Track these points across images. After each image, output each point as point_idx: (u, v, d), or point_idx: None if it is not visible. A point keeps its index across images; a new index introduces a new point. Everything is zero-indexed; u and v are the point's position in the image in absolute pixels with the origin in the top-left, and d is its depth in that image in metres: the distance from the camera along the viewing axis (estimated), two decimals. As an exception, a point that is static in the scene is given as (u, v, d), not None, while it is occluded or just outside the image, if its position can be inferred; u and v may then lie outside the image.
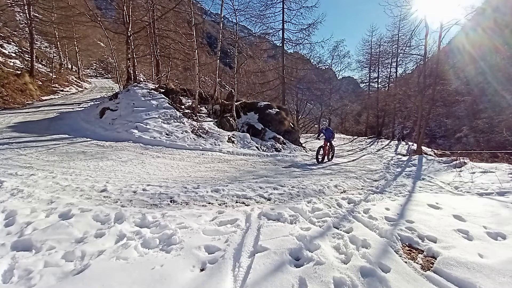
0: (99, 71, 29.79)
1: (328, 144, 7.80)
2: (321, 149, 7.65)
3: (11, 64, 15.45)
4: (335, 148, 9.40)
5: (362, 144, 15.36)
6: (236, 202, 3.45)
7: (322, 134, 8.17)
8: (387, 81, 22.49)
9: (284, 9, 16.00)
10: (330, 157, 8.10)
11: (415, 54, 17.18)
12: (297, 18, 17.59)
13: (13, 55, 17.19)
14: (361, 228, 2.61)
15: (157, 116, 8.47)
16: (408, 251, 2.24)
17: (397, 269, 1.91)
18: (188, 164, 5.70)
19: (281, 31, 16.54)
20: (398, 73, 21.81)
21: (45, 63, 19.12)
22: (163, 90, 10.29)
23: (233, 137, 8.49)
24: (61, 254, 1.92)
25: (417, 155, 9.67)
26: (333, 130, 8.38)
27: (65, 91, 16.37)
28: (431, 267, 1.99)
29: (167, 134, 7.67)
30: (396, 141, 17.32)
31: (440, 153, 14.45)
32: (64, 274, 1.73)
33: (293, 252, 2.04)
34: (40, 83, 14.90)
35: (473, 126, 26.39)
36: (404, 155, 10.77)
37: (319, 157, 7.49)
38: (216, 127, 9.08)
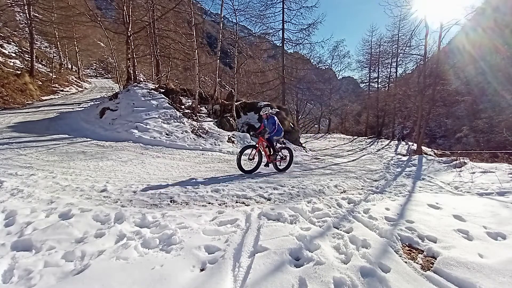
0: (99, 71, 29.80)
1: (267, 143, 5.32)
2: (251, 149, 5.27)
3: (11, 64, 15.45)
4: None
5: (362, 144, 15.37)
6: (236, 202, 3.45)
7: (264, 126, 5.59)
8: (387, 81, 22.51)
9: (284, 9, 16.02)
10: (278, 165, 5.54)
11: (415, 54, 17.21)
12: (297, 18, 17.62)
13: (13, 55, 17.20)
14: (361, 228, 2.61)
15: (157, 116, 8.47)
16: (408, 251, 2.24)
17: (397, 269, 1.91)
18: (188, 164, 5.70)
19: (281, 31, 16.57)
20: (398, 73, 21.88)
21: (45, 63, 19.12)
22: (163, 90, 10.29)
23: (233, 137, 8.49)
24: (61, 254, 1.92)
25: (417, 155, 9.67)
26: (276, 121, 5.31)
27: (65, 91, 16.37)
28: (431, 267, 1.99)
29: (167, 134, 7.67)
30: (396, 141, 17.33)
31: (440, 153, 14.46)
32: (64, 274, 1.72)
33: (293, 252, 2.04)
34: (40, 83, 14.91)
35: (473, 126, 26.39)
36: (404, 155, 10.77)
37: (243, 164, 5.05)
38: (216, 127, 9.08)
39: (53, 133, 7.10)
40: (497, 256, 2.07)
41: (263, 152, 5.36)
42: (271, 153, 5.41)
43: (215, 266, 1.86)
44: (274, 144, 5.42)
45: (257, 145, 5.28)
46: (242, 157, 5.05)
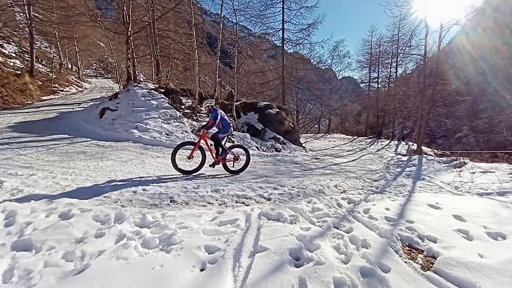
0: (99, 71, 29.81)
1: (212, 140, 4.78)
2: (190, 146, 4.72)
3: (11, 64, 15.46)
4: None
5: (362, 144, 15.36)
6: (236, 202, 3.45)
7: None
8: (387, 81, 22.51)
9: (284, 9, 16.03)
10: (230, 166, 4.99)
11: (415, 54, 17.22)
12: (297, 18, 17.67)
13: (13, 55, 17.21)
14: (361, 228, 2.61)
15: (157, 116, 8.46)
16: (408, 251, 2.24)
17: (397, 269, 1.91)
18: (188, 164, 5.70)
19: (281, 31, 16.58)
20: (398, 73, 21.86)
21: (45, 63, 19.13)
22: (163, 90, 10.29)
23: (233, 137, 8.49)
24: (61, 254, 1.92)
25: (417, 155, 9.67)
26: (220, 114, 4.76)
27: (65, 91, 16.38)
28: (431, 267, 1.99)
29: (167, 134, 7.67)
30: (396, 141, 17.33)
31: (440, 153, 14.46)
32: (64, 274, 1.72)
33: (293, 252, 2.04)
34: (40, 83, 14.91)
35: (473, 126, 26.41)
36: (404, 155, 10.76)
37: (181, 163, 4.66)
38: (216, 127, 9.08)
39: (53, 133, 7.10)
40: (497, 256, 2.07)
41: (207, 151, 4.82)
42: (219, 151, 4.84)
43: (215, 266, 1.86)
44: (221, 141, 4.84)
45: (197, 142, 4.70)
46: (179, 155, 4.51)
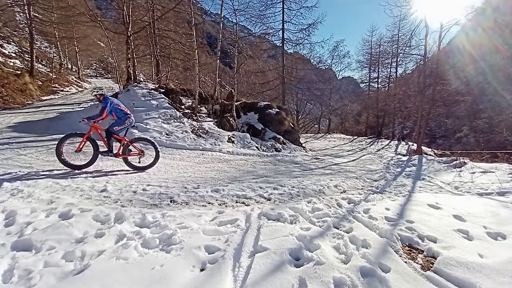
0: (99, 71, 29.82)
1: (104, 133, 4.39)
2: (78, 138, 4.31)
3: (11, 64, 15.47)
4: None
5: (362, 144, 15.35)
6: (236, 202, 3.45)
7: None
8: (387, 81, 22.51)
9: (284, 9, 16.03)
10: (134, 162, 4.58)
11: (415, 54, 17.21)
12: (297, 18, 17.74)
13: (13, 55, 17.21)
14: (361, 228, 2.61)
15: (157, 116, 8.47)
16: (408, 251, 2.24)
17: (397, 269, 1.91)
18: (188, 164, 5.70)
19: (281, 31, 16.58)
20: (398, 73, 21.86)
21: (45, 63, 19.14)
22: (163, 90, 10.30)
23: (233, 137, 8.49)
24: (61, 254, 1.92)
25: (417, 155, 9.67)
26: (111, 104, 4.32)
27: (65, 91, 16.38)
28: (431, 267, 1.99)
29: (167, 134, 7.67)
30: (396, 141, 17.32)
31: (440, 153, 14.46)
32: (64, 274, 1.73)
33: (293, 252, 2.04)
34: (40, 83, 14.92)
35: (473, 126, 26.44)
36: (404, 155, 10.76)
37: (68, 156, 4.26)
38: (216, 127, 9.08)
39: (53, 133, 7.09)
40: (497, 256, 2.07)
41: (101, 143, 4.46)
42: (109, 145, 4.45)
43: (215, 266, 1.86)
44: (113, 133, 4.40)
45: (87, 133, 4.25)
46: (65, 147, 4.14)
